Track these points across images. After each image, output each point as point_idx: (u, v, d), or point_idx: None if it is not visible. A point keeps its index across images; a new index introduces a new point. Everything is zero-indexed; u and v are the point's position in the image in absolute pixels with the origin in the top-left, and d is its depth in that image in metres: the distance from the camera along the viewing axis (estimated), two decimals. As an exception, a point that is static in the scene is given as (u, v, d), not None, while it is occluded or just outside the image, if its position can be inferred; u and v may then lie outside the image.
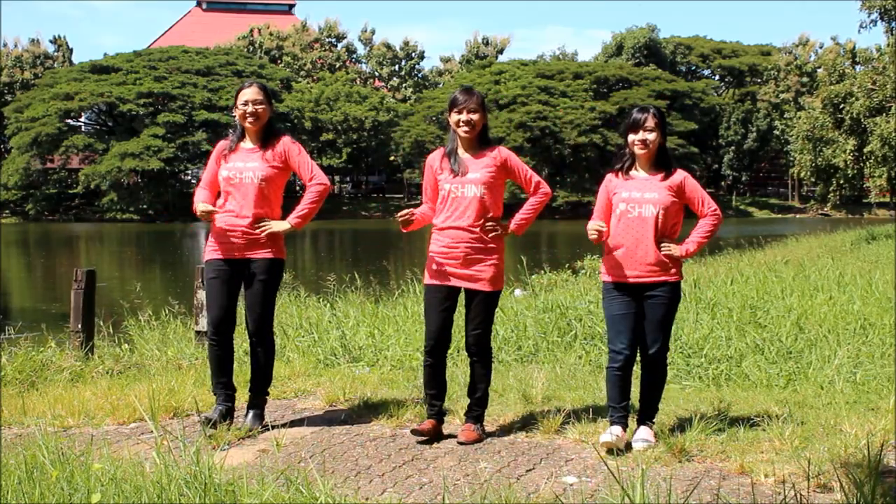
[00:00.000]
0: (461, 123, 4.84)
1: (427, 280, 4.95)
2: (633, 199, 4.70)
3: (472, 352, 4.96)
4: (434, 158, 5.01)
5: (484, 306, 4.88)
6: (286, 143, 5.14)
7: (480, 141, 4.93)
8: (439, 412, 4.97)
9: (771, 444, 4.51)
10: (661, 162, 4.76)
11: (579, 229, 4.84)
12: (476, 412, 4.96)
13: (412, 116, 66.66)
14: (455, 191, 4.85)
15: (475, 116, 4.84)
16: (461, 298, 4.97)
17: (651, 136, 4.68)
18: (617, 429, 4.65)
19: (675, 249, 4.69)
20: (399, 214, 4.94)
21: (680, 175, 4.76)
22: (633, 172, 4.79)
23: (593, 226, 4.76)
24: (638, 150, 4.71)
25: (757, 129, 72.44)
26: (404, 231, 5.02)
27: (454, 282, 4.86)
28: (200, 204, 5.07)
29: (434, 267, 4.90)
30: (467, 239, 4.82)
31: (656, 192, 4.68)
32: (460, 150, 4.91)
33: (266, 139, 5.13)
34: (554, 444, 4.75)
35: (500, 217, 4.94)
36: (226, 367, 5.15)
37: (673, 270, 4.71)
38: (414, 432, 4.87)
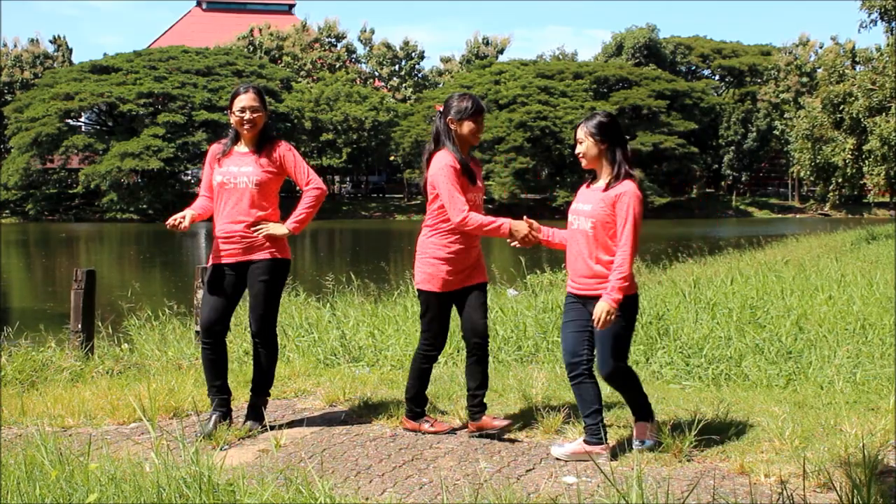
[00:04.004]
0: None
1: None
2: (576, 210, 4.62)
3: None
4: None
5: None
6: (282, 149, 5.11)
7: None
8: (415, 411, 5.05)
9: (771, 444, 4.51)
10: (614, 172, 4.49)
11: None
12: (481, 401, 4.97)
13: (412, 116, 66.68)
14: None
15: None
16: (462, 297, 5.00)
17: (580, 149, 4.55)
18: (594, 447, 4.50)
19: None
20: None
21: (622, 188, 4.44)
22: (595, 182, 4.61)
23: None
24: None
25: (757, 129, 72.43)
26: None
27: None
28: (179, 214, 5.03)
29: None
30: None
31: (591, 203, 4.52)
32: None
33: (261, 143, 5.10)
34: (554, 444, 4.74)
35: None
36: (220, 371, 5.12)
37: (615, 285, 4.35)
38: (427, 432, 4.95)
